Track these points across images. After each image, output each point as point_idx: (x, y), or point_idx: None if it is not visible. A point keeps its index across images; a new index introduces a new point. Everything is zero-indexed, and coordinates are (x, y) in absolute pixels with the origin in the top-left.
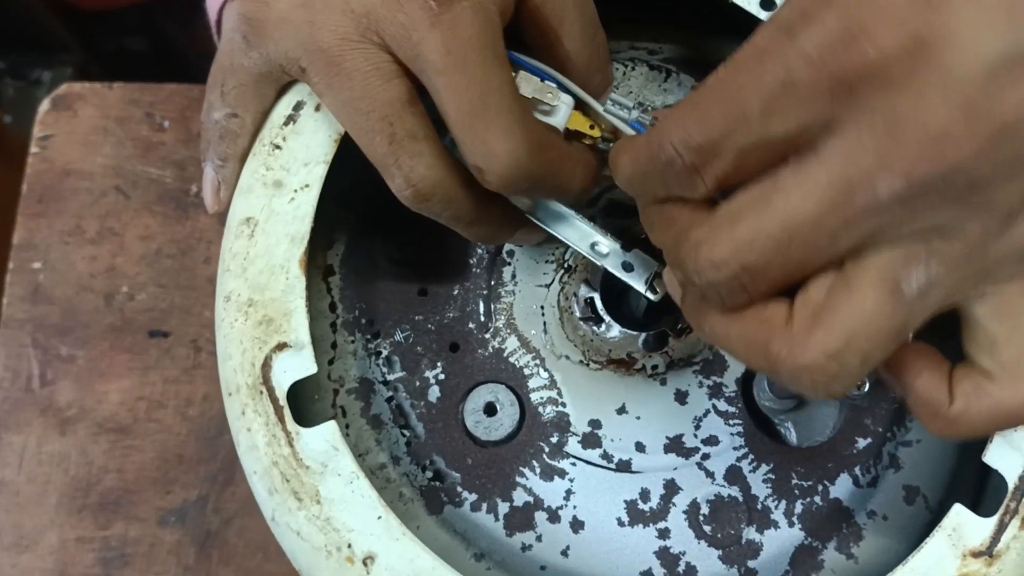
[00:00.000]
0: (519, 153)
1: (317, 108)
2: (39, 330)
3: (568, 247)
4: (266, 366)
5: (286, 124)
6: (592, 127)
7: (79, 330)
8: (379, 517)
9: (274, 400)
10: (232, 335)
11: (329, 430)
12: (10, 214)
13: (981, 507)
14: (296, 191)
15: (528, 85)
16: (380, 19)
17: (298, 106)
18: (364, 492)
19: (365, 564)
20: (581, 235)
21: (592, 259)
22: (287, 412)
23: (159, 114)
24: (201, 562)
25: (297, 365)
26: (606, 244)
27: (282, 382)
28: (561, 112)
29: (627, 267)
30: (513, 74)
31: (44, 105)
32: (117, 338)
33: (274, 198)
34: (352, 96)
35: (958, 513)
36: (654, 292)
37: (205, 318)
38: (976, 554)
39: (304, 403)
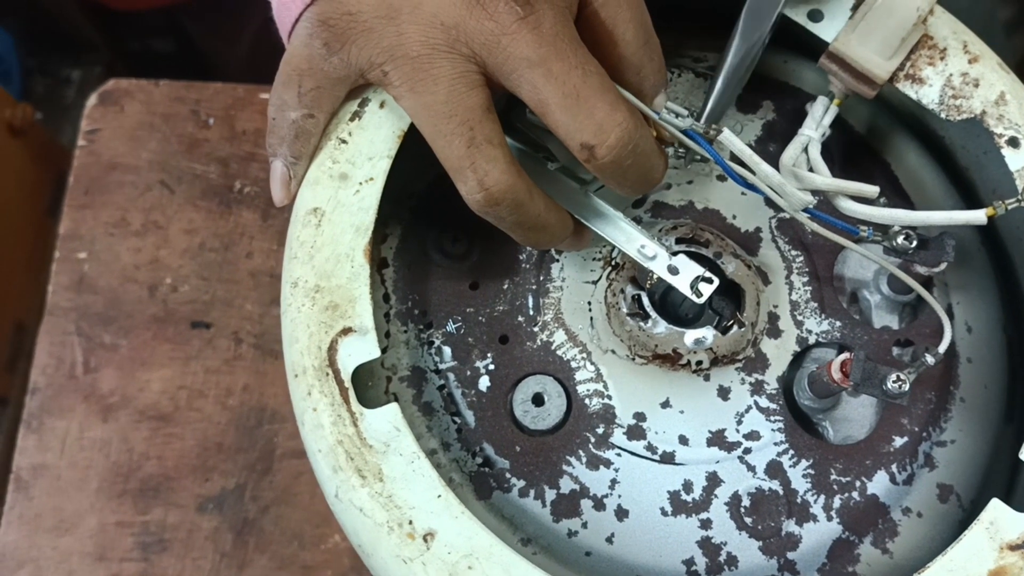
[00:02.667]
0: (628, 124)
1: (381, 105)
2: (83, 319)
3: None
4: (332, 349)
5: (352, 120)
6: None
7: (122, 319)
8: (439, 496)
9: (339, 382)
10: (299, 319)
11: (391, 412)
12: (39, 207)
13: (1013, 504)
14: (361, 184)
15: None
16: (470, 30)
17: (363, 103)
18: (425, 471)
19: (425, 540)
20: (628, 238)
21: (639, 261)
22: (352, 393)
23: (204, 111)
24: (238, 549)
25: (361, 349)
26: (653, 247)
27: (347, 365)
28: None
29: (672, 270)
30: None
31: (91, 100)
32: (160, 328)
33: (340, 190)
34: (436, 100)
35: (995, 507)
36: (698, 295)
37: (246, 311)
38: (1013, 547)
39: (359, 389)
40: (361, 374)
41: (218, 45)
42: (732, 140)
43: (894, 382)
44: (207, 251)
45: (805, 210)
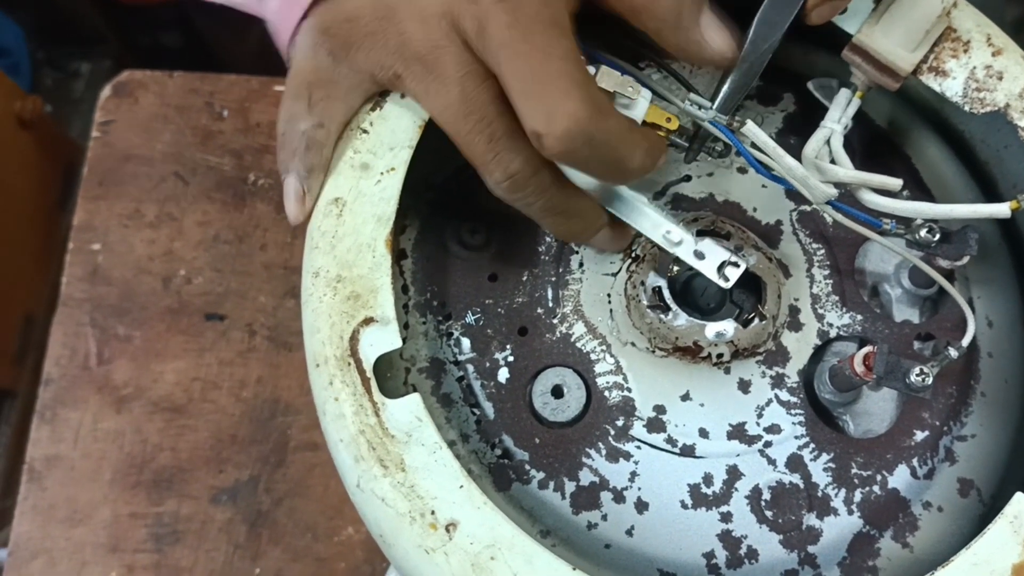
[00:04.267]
0: (579, 114)
1: (402, 95)
2: (97, 310)
3: (636, 236)
4: (354, 339)
5: (373, 110)
6: (668, 120)
7: (136, 311)
8: (461, 486)
9: (361, 372)
10: (321, 309)
11: (413, 402)
12: (48, 200)
13: None
14: (382, 174)
15: (609, 79)
16: (458, 14)
17: (384, 93)
18: (447, 462)
19: (447, 530)
20: (654, 224)
21: (664, 247)
22: (374, 384)
23: (218, 103)
24: (251, 540)
25: (383, 339)
26: (678, 232)
27: (369, 355)
28: (640, 106)
29: (699, 255)
30: (594, 70)
31: (106, 91)
32: (174, 320)
33: (361, 180)
34: (450, 102)
35: (1020, 501)
36: (725, 279)
37: (260, 303)
38: None
39: (378, 380)
40: (380, 365)
41: (227, 40)
42: (755, 132)
43: (917, 375)
44: (221, 243)
45: (828, 202)
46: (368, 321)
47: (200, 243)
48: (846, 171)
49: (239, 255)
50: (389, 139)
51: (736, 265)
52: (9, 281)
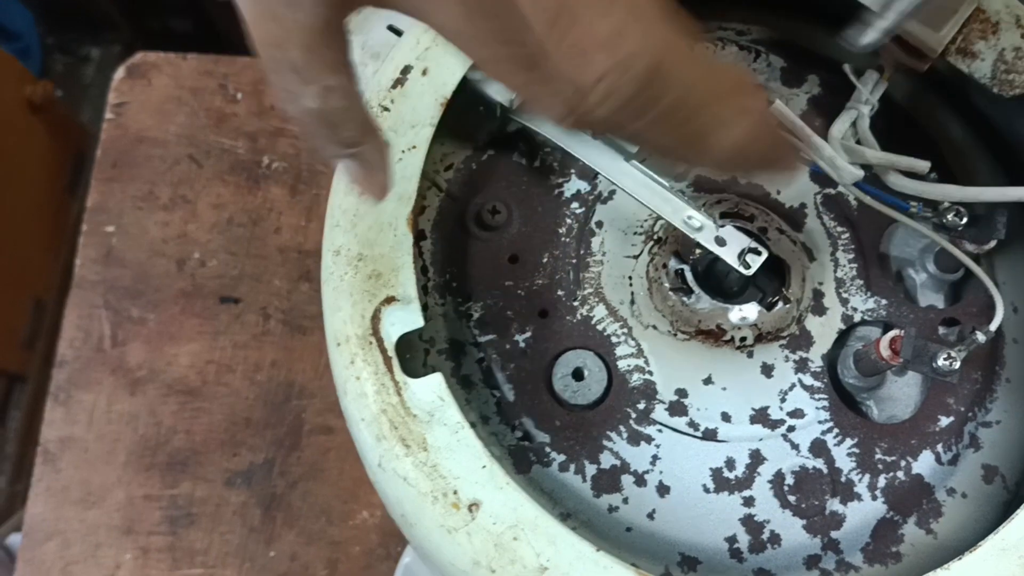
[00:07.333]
0: (659, 38)
1: (423, 72)
2: (111, 292)
3: (658, 219)
4: (376, 318)
5: (394, 87)
6: None
7: (150, 293)
8: (484, 466)
9: (383, 351)
10: (342, 287)
11: (436, 381)
12: (59, 185)
13: None
14: (403, 151)
15: None
16: None
17: (406, 70)
18: (470, 442)
19: (470, 510)
20: (675, 208)
21: (686, 232)
22: (395, 363)
23: (232, 86)
24: (266, 524)
25: (405, 318)
26: (700, 218)
27: (391, 334)
28: None
29: (720, 241)
30: None
31: (119, 73)
32: (188, 303)
33: None
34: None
35: None
36: (746, 266)
37: (275, 286)
38: None
39: (399, 360)
40: (400, 346)
41: (237, 25)
42: (784, 111)
43: (945, 359)
44: (235, 226)
45: (855, 184)
46: (390, 300)
47: (214, 226)
48: (873, 152)
49: (253, 238)
50: (410, 117)
51: (758, 252)
52: (19, 266)
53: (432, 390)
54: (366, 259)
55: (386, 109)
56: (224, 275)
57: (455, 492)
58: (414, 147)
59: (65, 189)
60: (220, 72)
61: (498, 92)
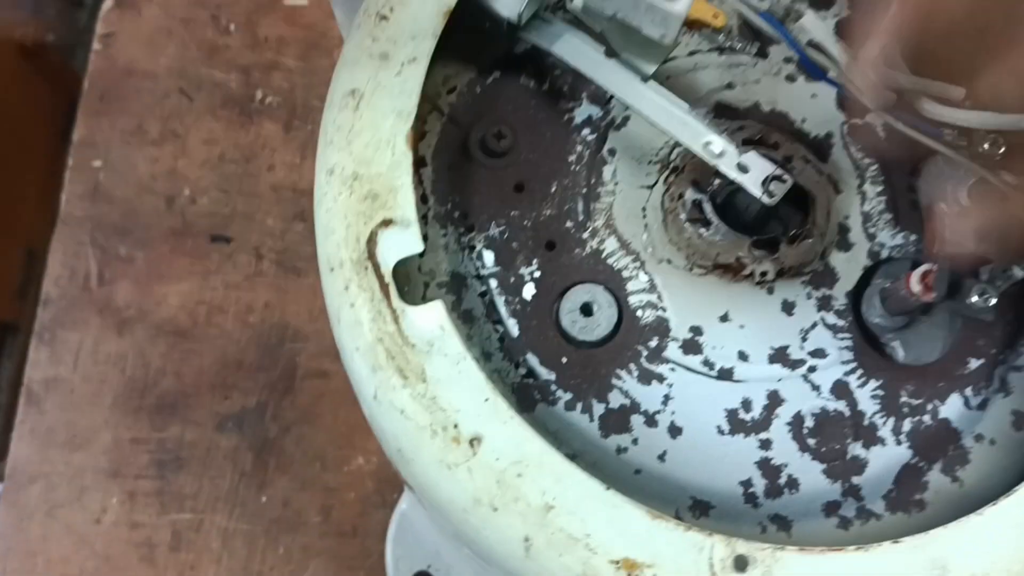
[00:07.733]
0: None
1: None
2: (98, 229)
3: (675, 146)
4: (371, 242)
5: None
6: (715, 16)
7: (139, 231)
8: (487, 399)
9: (379, 276)
10: (336, 209)
11: (436, 309)
12: (52, 132)
13: None
14: (403, 64)
15: None
16: None
17: None
18: (472, 374)
19: (471, 445)
20: (694, 133)
21: (705, 159)
22: (393, 289)
23: (225, 17)
24: (258, 469)
25: (403, 242)
26: (720, 143)
27: (388, 259)
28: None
29: (742, 168)
30: None
31: (107, 3)
32: (178, 241)
33: (380, 71)
34: None
35: None
36: (770, 195)
37: (268, 226)
38: None
39: (397, 288)
40: (398, 277)
41: None
42: (816, 26)
43: (980, 295)
44: (227, 163)
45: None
46: (387, 223)
47: (205, 162)
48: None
49: (246, 175)
50: (411, 27)
51: (782, 180)
52: (11, 214)
53: (432, 318)
54: (362, 179)
55: (384, 18)
56: (215, 213)
57: (455, 426)
58: (414, 59)
59: (58, 136)
60: (212, 2)
61: (505, 7)
